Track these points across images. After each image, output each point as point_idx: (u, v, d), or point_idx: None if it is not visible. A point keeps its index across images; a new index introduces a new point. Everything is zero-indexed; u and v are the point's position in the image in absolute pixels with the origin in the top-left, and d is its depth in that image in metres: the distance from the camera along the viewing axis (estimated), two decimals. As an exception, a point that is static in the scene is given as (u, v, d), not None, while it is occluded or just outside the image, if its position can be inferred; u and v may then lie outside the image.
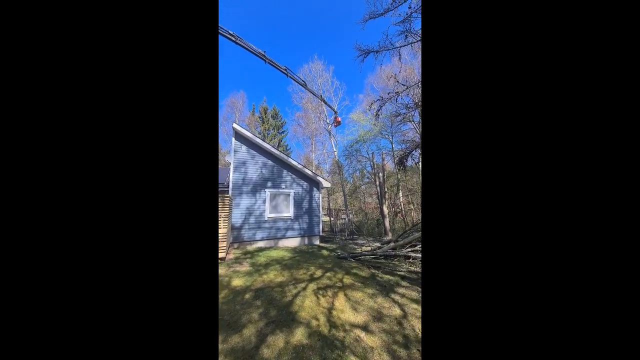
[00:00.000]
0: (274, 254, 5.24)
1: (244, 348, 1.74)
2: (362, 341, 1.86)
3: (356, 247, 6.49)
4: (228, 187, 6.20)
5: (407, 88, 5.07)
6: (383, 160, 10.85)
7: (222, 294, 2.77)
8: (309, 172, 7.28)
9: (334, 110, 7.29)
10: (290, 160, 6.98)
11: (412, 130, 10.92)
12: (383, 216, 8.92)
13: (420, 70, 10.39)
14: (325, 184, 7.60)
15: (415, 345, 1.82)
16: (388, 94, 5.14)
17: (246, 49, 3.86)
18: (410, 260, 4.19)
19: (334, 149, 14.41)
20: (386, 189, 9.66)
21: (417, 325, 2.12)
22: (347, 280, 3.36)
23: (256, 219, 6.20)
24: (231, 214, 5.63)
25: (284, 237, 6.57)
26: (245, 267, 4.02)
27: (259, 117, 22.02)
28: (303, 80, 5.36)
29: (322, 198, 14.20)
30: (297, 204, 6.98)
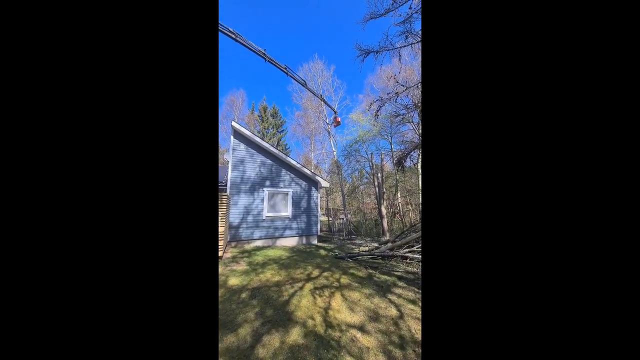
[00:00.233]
0: (272, 253, 5.23)
1: (239, 347, 1.73)
2: (358, 341, 1.86)
3: (354, 247, 6.50)
4: (226, 185, 6.17)
5: (406, 89, 5.07)
6: (382, 160, 10.87)
7: (219, 293, 2.76)
8: (308, 172, 7.27)
9: (333, 110, 7.29)
10: (289, 159, 6.97)
11: (411, 131, 10.95)
12: (381, 216, 8.94)
13: (419, 71, 10.43)
14: (324, 183, 7.60)
15: (411, 345, 1.82)
16: (387, 94, 5.14)
17: (246, 46, 3.84)
18: (408, 260, 4.20)
19: (333, 149, 14.41)
20: (385, 190, 9.68)
21: (413, 325, 2.12)
22: (344, 280, 3.35)
23: (254, 217, 6.18)
24: (229, 213, 5.60)
25: (281, 236, 6.56)
26: (242, 266, 4.00)
27: (259, 116, 21.96)
28: (303, 80, 5.34)
29: (321, 198, 14.20)
30: (296, 204, 6.97)
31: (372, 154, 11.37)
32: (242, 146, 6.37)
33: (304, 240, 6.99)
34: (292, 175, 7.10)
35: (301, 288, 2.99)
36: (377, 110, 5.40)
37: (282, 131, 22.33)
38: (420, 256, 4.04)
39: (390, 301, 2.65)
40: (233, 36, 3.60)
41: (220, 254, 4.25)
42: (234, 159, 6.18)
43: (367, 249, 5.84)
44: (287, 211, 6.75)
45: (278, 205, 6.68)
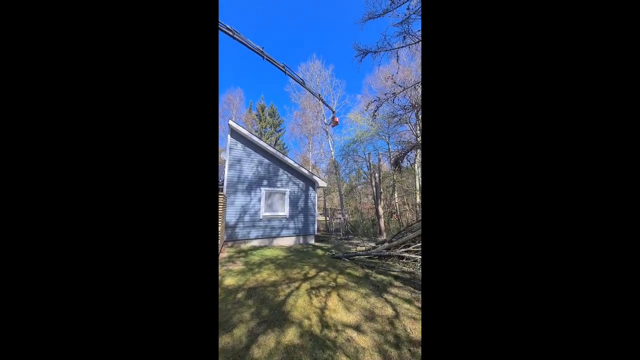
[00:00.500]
0: (269, 252, 5.21)
1: (234, 348, 1.71)
2: (353, 341, 1.86)
3: (351, 246, 6.51)
4: (222, 184, 6.13)
5: (403, 89, 5.09)
6: (379, 160, 10.91)
7: (214, 293, 2.73)
8: (306, 171, 7.25)
9: (331, 109, 7.29)
10: (286, 158, 6.94)
11: (409, 132, 11.01)
12: (378, 216, 8.97)
13: (417, 72, 10.48)
14: (322, 183, 7.59)
15: (406, 345, 1.83)
16: (385, 94, 5.15)
17: (244, 44, 3.80)
18: (404, 260, 4.22)
19: (331, 149, 14.41)
20: (382, 190, 9.72)
21: (409, 325, 2.13)
22: (341, 279, 3.36)
23: (251, 217, 6.14)
24: (225, 212, 5.56)
25: (279, 236, 6.53)
26: (239, 265, 3.98)
27: (256, 115, 21.84)
28: (301, 79, 5.32)
29: (318, 197, 14.19)
30: (293, 203, 6.95)
31: (369, 154, 11.40)
32: (239, 145, 6.33)
33: (301, 240, 6.98)
34: (290, 175, 7.07)
35: (298, 288, 2.98)
36: (375, 111, 5.42)
37: (279, 130, 22.24)
38: (416, 256, 4.06)
39: (387, 301, 2.65)
40: (230, 33, 3.56)
41: (216, 253, 4.21)
42: (231, 158, 6.13)
43: (364, 248, 5.85)
44: (285, 211, 6.73)
45: (275, 205, 6.65)
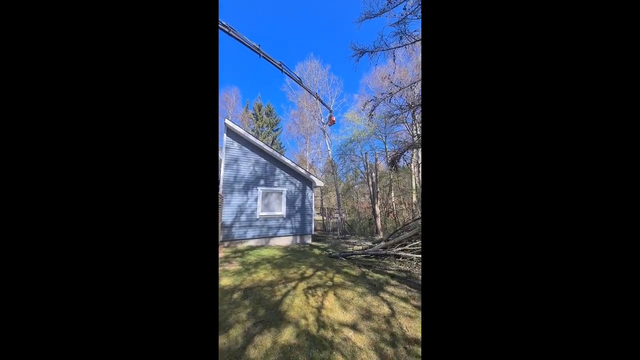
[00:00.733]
0: (265, 252, 5.18)
1: (230, 349, 1.70)
2: (350, 340, 1.87)
3: (348, 246, 6.53)
4: (219, 184, 6.07)
5: (400, 89, 5.12)
6: (376, 160, 10.96)
7: (210, 294, 2.70)
8: (303, 171, 7.23)
9: (329, 109, 7.28)
10: (283, 158, 6.92)
11: (405, 132, 11.07)
12: (375, 216, 9.02)
13: (413, 72, 10.53)
14: (319, 182, 7.59)
15: (402, 343, 1.84)
16: (382, 94, 5.17)
17: (240, 41, 3.76)
18: (400, 259, 4.26)
19: (328, 148, 14.42)
20: (379, 189, 9.76)
21: (405, 323, 2.14)
22: (338, 279, 3.36)
23: (248, 217, 6.10)
24: (221, 212, 5.51)
25: (275, 235, 6.51)
26: (235, 265, 3.95)
27: (253, 114, 21.67)
28: (298, 77, 5.30)
29: (315, 197, 14.19)
30: (290, 203, 6.93)
31: (366, 153, 11.44)
32: (236, 144, 6.27)
33: (298, 240, 6.97)
34: (287, 175, 7.05)
35: (294, 287, 2.97)
36: (372, 110, 5.43)
37: (277, 130, 22.13)
38: (412, 255, 4.10)
39: (383, 299, 2.67)
40: (226, 30, 3.52)
41: (212, 253, 4.18)
42: (227, 158, 6.07)
43: (360, 247, 5.88)
44: (281, 210, 6.71)
45: (272, 205, 6.62)
